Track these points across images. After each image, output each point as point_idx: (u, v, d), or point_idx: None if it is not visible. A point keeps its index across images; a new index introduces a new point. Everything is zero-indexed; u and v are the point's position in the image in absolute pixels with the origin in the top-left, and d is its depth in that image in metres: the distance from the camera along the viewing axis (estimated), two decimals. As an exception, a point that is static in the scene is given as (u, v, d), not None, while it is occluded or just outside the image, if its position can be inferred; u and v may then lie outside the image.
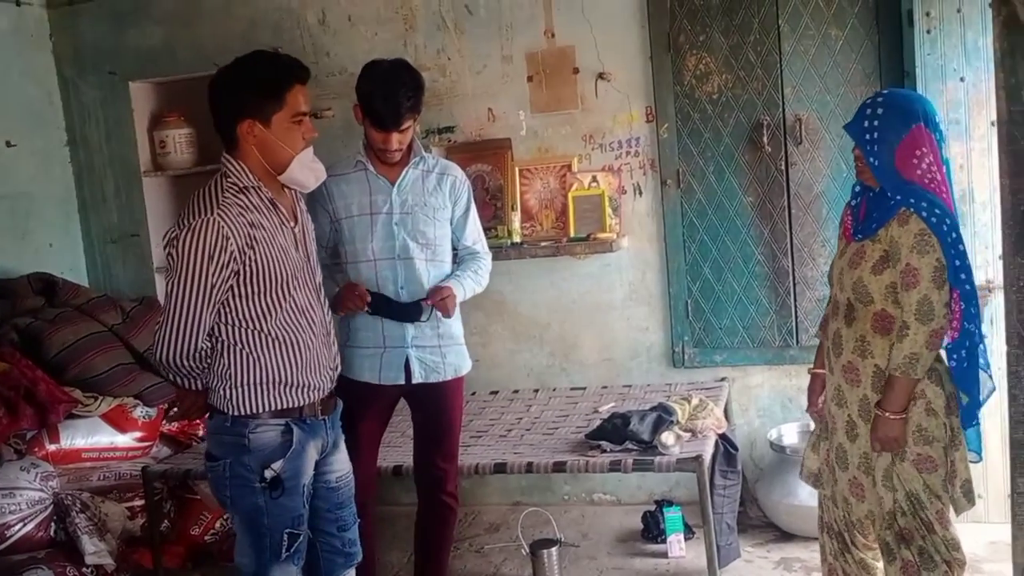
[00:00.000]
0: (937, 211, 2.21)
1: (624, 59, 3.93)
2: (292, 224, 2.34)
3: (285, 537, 2.28)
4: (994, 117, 3.25)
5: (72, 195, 4.69)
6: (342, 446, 2.51)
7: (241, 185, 2.24)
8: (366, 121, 2.79)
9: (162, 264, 4.70)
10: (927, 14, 3.36)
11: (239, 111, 2.23)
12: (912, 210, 2.21)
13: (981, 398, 2.28)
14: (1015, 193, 2.26)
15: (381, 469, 3.16)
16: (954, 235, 2.20)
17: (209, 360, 2.27)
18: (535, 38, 4.03)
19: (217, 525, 3.93)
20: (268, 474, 2.24)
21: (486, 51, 4.10)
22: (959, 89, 3.33)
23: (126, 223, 4.67)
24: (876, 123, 2.28)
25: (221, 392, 2.29)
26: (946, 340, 2.28)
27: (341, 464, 2.49)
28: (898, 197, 2.25)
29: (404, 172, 2.85)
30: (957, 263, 2.19)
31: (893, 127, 2.27)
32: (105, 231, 4.70)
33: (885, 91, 2.49)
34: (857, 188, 2.45)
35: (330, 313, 2.49)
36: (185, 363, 2.23)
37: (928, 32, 3.36)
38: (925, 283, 2.19)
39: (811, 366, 2.68)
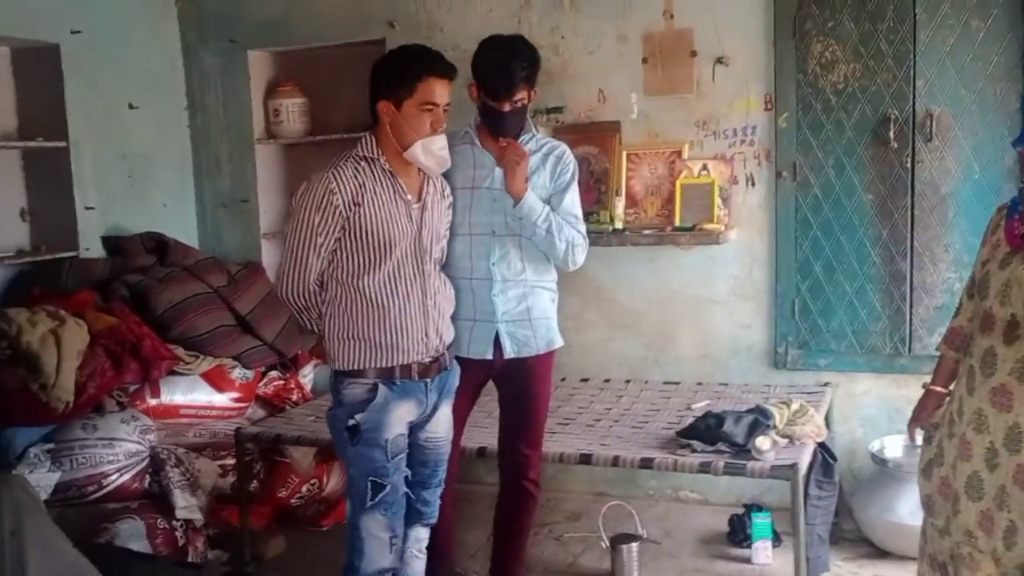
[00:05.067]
0: None
1: (745, 43, 3.76)
2: (414, 201, 2.56)
3: (369, 485, 2.49)
4: None
5: (188, 159, 4.81)
6: (446, 413, 2.68)
7: (363, 155, 2.52)
8: (480, 93, 2.76)
9: (269, 230, 4.80)
10: (1082, 5, 3.08)
11: (379, 92, 2.51)
12: None
13: None
14: None
15: (465, 449, 3.13)
16: None
17: (320, 305, 2.54)
18: (653, 19, 3.90)
19: (303, 489, 4.00)
20: (350, 423, 2.48)
21: (601, 30, 3.99)
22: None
23: (237, 189, 4.77)
24: None
25: (328, 347, 2.57)
26: None
27: (437, 428, 2.66)
28: None
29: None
30: None
31: None
32: (217, 195, 4.82)
33: None
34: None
35: (440, 293, 2.63)
36: (299, 300, 2.53)
37: (1082, 25, 3.08)
38: None
39: (927, 381, 2.49)
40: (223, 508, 3.79)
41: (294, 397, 4.34)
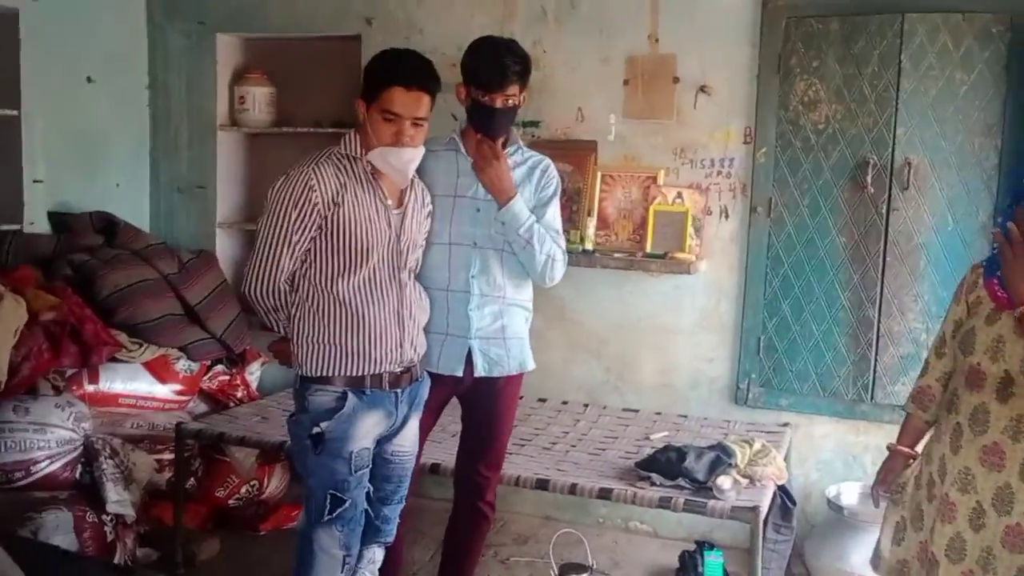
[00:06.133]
0: None
1: (728, 75, 3.74)
2: (394, 207, 2.48)
3: (328, 498, 2.39)
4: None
5: (146, 139, 4.65)
6: (414, 427, 2.59)
7: (345, 153, 2.45)
8: (470, 91, 2.66)
9: (225, 220, 4.65)
10: (1068, 69, 3.12)
11: (361, 90, 2.43)
12: None
13: None
14: None
15: (420, 464, 3.02)
16: None
17: (289, 306, 2.44)
18: (637, 41, 3.86)
19: (243, 491, 3.87)
20: (314, 430, 2.38)
21: (584, 48, 3.94)
22: (1091, 154, 3.06)
23: (195, 174, 4.62)
24: None
25: (295, 350, 2.45)
26: None
27: (404, 442, 2.57)
28: None
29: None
30: None
31: None
32: (173, 179, 4.66)
33: None
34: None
35: (416, 303, 2.56)
36: (268, 299, 2.43)
37: (1065, 88, 3.12)
38: None
39: (892, 442, 2.45)
40: (157, 505, 3.65)
41: (239, 394, 4.20)
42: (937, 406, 2.33)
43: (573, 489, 3.00)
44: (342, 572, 2.44)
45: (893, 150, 3.51)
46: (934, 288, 3.47)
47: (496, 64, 2.63)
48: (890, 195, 3.52)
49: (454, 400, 2.89)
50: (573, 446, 3.46)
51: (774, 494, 3.03)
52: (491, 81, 2.62)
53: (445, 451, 3.16)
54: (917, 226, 3.50)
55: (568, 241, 3.74)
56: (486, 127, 2.68)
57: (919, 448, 2.40)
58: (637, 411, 3.86)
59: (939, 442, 2.24)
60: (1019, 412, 2.07)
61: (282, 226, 2.36)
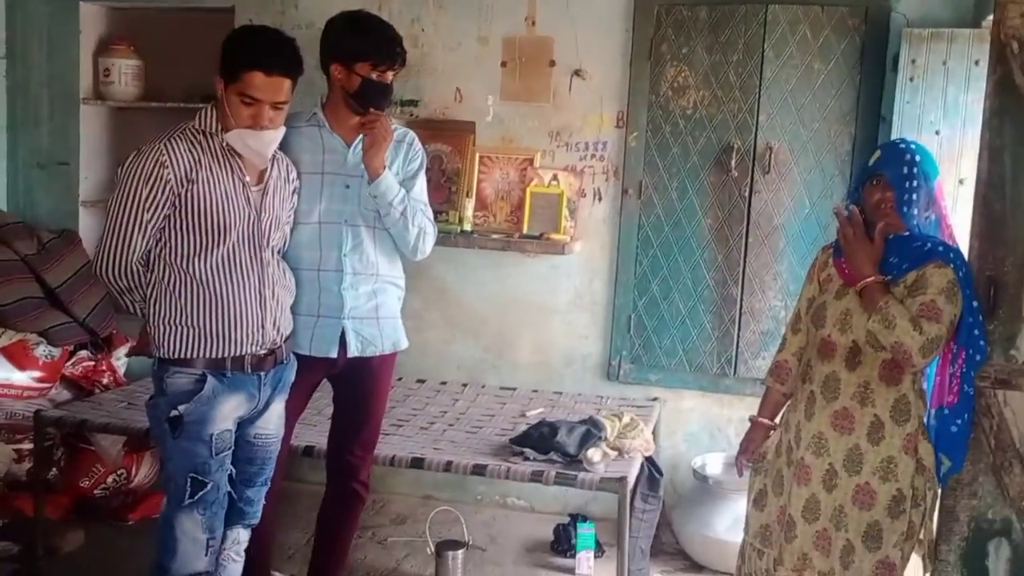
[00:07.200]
0: (965, 268, 2.15)
1: (603, 60, 3.82)
2: (253, 184, 2.42)
3: (188, 482, 2.35)
4: (963, 175, 3.25)
5: (2, 112, 4.40)
6: (278, 410, 2.55)
7: (201, 128, 2.38)
8: (356, 69, 2.59)
9: (89, 197, 4.46)
10: (912, 61, 3.31)
11: (219, 66, 2.35)
12: (948, 263, 2.15)
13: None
14: (983, 257, 2.22)
15: (293, 447, 2.99)
16: (968, 292, 2.13)
17: (144, 287, 2.37)
18: (515, 24, 3.90)
19: (109, 480, 3.75)
20: (172, 413, 2.33)
21: (463, 29, 3.95)
22: (933, 143, 3.26)
23: (57, 150, 4.41)
24: (915, 170, 2.22)
25: (151, 332, 2.39)
26: (940, 404, 2.21)
27: (267, 425, 2.53)
28: (928, 245, 2.19)
29: (363, 134, 2.67)
30: (971, 319, 2.12)
31: (928, 175, 2.24)
32: (32, 154, 4.44)
33: (908, 139, 2.37)
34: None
35: (279, 284, 2.49)
36: (120, 280, 2.35)
37: (911, 80, 3.31)
38: (944, 326, 2.11)
39: (754, 414, 2.57)
40: (16, 496, 3.49)
41: (105, 381, 4.04)
42: (793, 379, 2.47)
43: (448, 467, 3.03)
44: (206, 555, 2.40)
45: (756, 135, 3.66)
46: (792, 267, 3.65)
47: (389, 39, 2.61)
48: (752, 179, 3.68)
49: (327, 381, 2.87)
50: (451, 425, 3.48)
51: (642, 465, 3.13)
52: (390, 57, 2.60)
53: (320, 433, 3.13)
54: (777, 208, 3.67)
55: (447, 222, 3.80)
56: (379, 104, 2.65)
57: (778, 419, 2.53)
58: (514, 389, 3.92)
59: (795, 411, 2.38)
60: (866, 379, 2.23)
61: (133, 204, 2.29)
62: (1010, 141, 2.12)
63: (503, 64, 3.93)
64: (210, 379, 2.35)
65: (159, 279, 2.36)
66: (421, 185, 2.80)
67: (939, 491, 2.24)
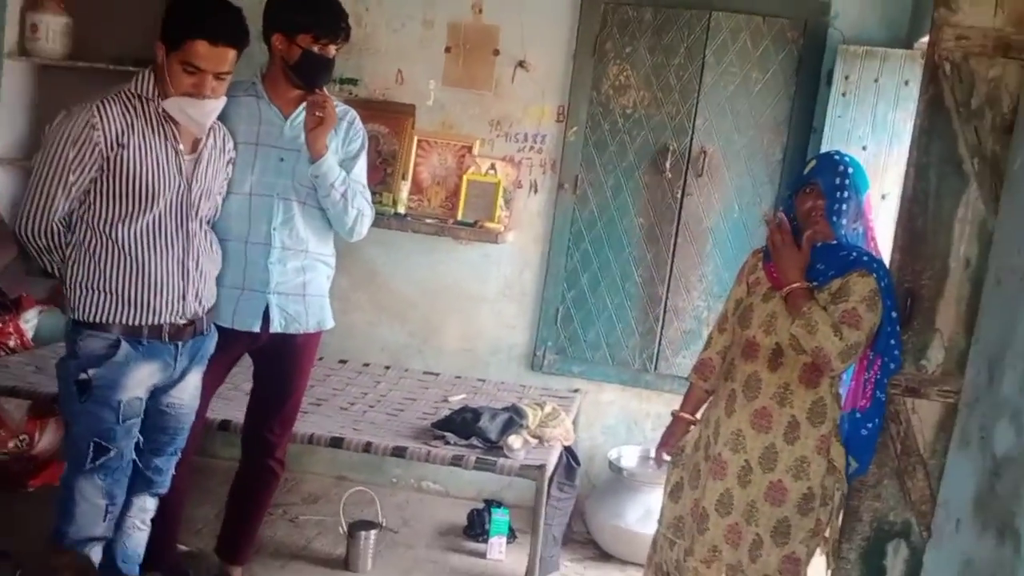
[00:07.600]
0: (887, 279, 2.22)
1: (547, 53, 3.83)
2: (186, 152, 2.38)
3: (91, 447, 2.31)
4: (886, 191, 3.35)
5: (-84, 62, 4.18)
6: (194, 381, 2.51)
7: (136, 92, 2.33)
8: (297, 41, 2.53)
9: (5, 155, 4.27)
10: (846, 77, 3.41)
11: (161, 31, 2.29)
12: (872, 272, 2.22)
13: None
14: (903, 269, 2.31)
15: (209, 421, 2.93)
16: (889, 302, 2.21)
17: (64, 248, 2.32)
18: (461, 9, 3.88)
19: (11, 445, 3.60)
20: (81, 376, 2.29)
21: (408, 11, 3.92)
22: (860, 157, 3.33)
23: (-25, 105, 4.21)
24: (847, 181, 2.29)
25: (68, 293, 2.34)
26: (853, 407, 2.28)
27: (181, 395, 2.48)
28: (854, 254, 2.26)
29: (301, 107, 2.62)
30: (889, 328, 2.20)
31: (859, 188, 2.32)
32: (-53, 107, 4.22)
33: (843, 152, 2.45)
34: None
35: (205, 255, 2.45)
36: (39, 240, 2.30)
37: (843, 95, 3.41)
38: (864, 333, 2.18)
39: (676, 408, 2.63)
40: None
41: (12, 343, 3.88)
42: (716, 377, 2.53)
43: (367, 447, 3.02)
44: (104, 521, 2.37)
45: (691, 138, 3.73)
46: (717, 269, 3.73)
47: (334, 13, 2.57)
48: (685, 181, 3.74)
49: (248, 356, 2.81)
50: (371, 407, 3.46)
51: (560, 454, 3.17)
52: (333, 31, 2.56)
53: (237, 408, 3.08)
54: (707, 211, 3.74)
55: (381, 203, 3.76)
56: (319, 78, 2.61)
57: (699, 415, 2.59)
58: (438, 374, 3.91)
59: (716, 407, 2.44)
60: (786, 380, 2.30)
61: (58, 164, 2.24)
62: (936, 159, 2.20)
63: (447, 49, 3.91)
64: (124, 344, 2.31)
65: (80, 241, 2.31)
66: (361, 166, 2.77)
67: (847, 491, 2.32)
